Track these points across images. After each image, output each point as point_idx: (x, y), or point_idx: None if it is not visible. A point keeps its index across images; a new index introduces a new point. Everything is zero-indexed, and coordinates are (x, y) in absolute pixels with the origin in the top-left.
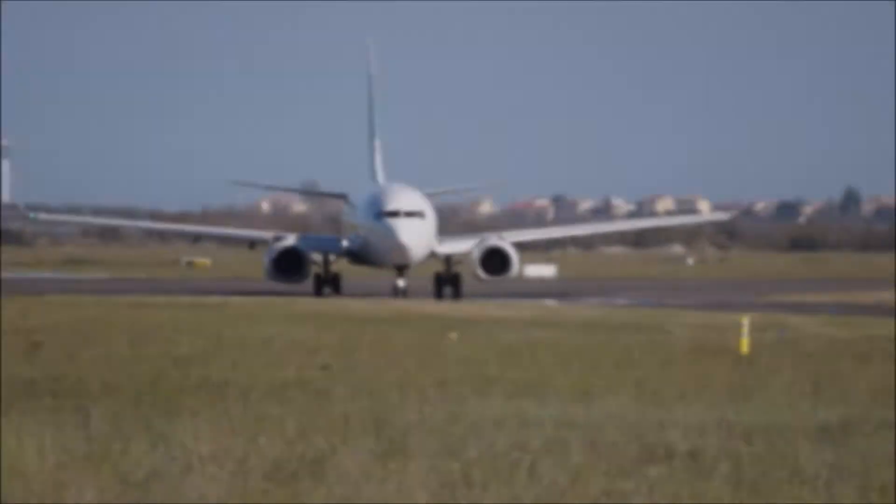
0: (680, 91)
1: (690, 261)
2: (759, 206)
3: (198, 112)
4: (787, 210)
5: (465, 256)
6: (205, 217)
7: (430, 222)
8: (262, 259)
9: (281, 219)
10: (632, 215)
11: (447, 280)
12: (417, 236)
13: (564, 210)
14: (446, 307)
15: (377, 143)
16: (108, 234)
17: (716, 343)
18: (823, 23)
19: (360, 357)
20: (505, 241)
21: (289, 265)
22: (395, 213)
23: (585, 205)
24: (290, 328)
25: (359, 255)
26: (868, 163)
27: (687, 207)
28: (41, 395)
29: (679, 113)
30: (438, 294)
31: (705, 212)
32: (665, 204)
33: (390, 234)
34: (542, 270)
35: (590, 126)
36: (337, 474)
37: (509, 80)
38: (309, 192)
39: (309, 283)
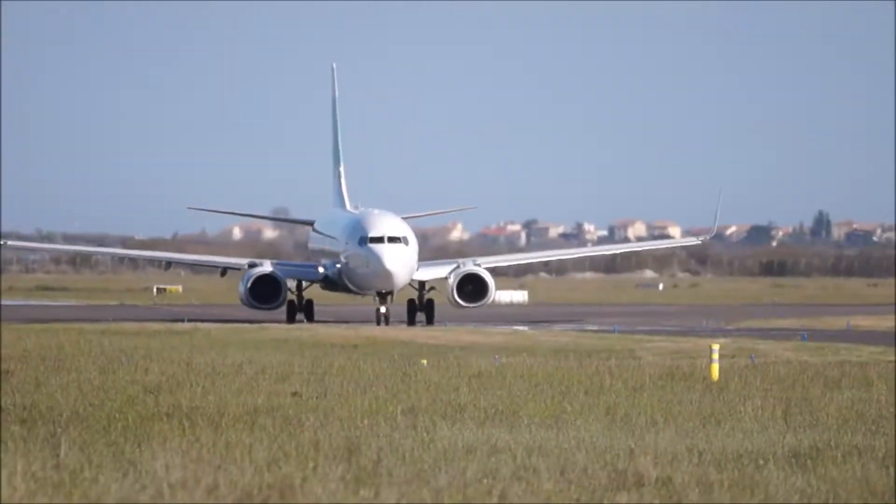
0: (651, 118)
1: (661, 286)
2: (730, 230)
3: (168, 139)
4: (758, 234)
5: (439, 282)
6: (176, 243)
7: (413, 248)
8: (238, 286)
9: (252, 245)
10: (603, 240)
11: (420, 306)
12: (402, 262)
13: (536, 235)
14: (416, 333)
15: (342, 169)
16: (80, 261)
17: (686, 369)
18: (793, 52)
19: (331, 384)
20: (480, 267)
21: (265, 292)
22: (379, 239)
23: (557, 230)
24: (260, 355)
25: (336, 282)
26: (838, 187)
27: (658, 233)
28: (10, 423)
29: (650, 139)
30: (411, 320)
31: (677, 237)
32: (637, 229)
33: (375, 261)
34: (513, 296)
35: (562, 151)
36: (307, 502)
37: (481, 105)
38: (273, 219)
39: (282, 310)
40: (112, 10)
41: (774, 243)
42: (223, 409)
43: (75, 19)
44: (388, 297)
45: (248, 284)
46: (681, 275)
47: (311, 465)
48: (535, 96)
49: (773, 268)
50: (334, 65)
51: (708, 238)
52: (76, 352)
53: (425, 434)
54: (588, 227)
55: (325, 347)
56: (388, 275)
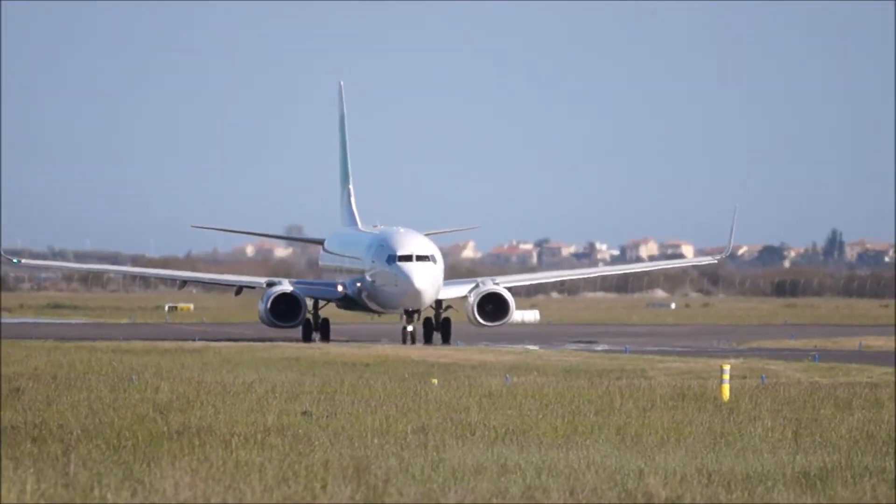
0: (664, 137)
1: (673, 306)
2: (742, 250)
3: (179, 158)
4: (771, 254)
5: (457, 301)
6: (189, 262)
7: (440, 266)
8: (258, 304)
9: (264, 263)
10: (616, 260)
11: (437, 325)
12: (430, 280)
13: (548, 255)
14: (427, 351)
15: (351, 187)
16: (91, 280)
17: (697, 389)
18: (804, 67)
19: (341, 402)
20: (500, 286)
21: (285, 310)
22: (407, 258)
23: (569, 249)
24: (270, 374)
25: (356, 301)
26: (852, 207)
27: (671, 252)
28: (22, 440)
29: (662, 158)
30: (428, 339)
31: (690, 256)
32: (649, 249)
33: (404, 279)
34: (525, 315)
35: (574, 171)
36: None
37: (493, 123)
38: (281, 237)
39: (298, 329)
40: (121, 32)
41: (787, 263)
42: (233, 428)
43: (86, 41)
44: (416, 316)
45: (269, 303)
46: (693, 294)
47: (320, 484)
48: (547, 115)
49: (786, 288)
50: (342, 83)
51: (724, 257)
52: (87, 370)
53: (435, 453)
54: (600, 246)
55: (336, 366)
56: (417, 293)
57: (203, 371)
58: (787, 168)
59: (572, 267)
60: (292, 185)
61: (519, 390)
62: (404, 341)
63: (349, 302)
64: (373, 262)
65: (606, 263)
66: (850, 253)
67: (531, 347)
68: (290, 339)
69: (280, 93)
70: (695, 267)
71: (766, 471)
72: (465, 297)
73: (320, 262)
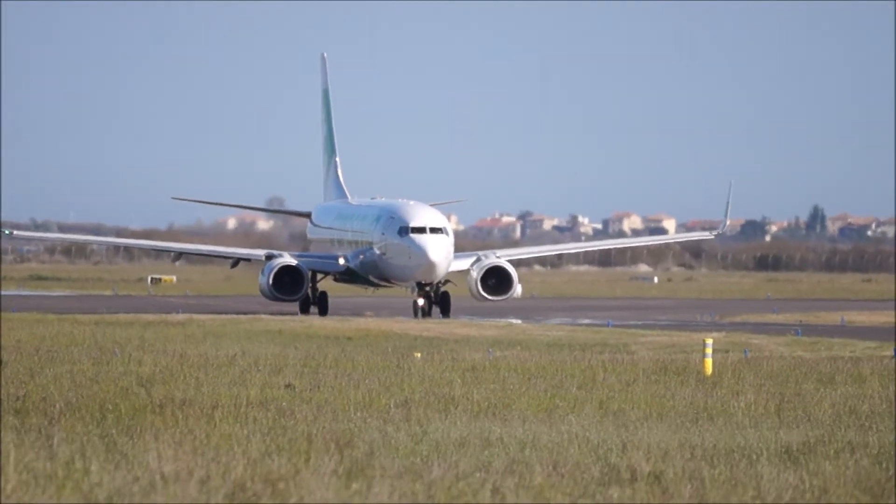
0: (645, 112)
1: (656, 280)
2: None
3: (160, 130)
4: (753, 229)
5: (454, 275)
6: (172, 234)
7: (451, 238)
8: (259, 278)
9: (246, 236)
10: (598, 233)
11: (436, 298)
12: (444, 253)
13: (531, 228)
14: (411, 325)
15: (338, 160)
16: (75, 252)
17: (680, 363)
18: (788, 47)
19: (324, 376)
20: (502, 259)
21: (287, 283)
22: (421, 230)
23: (552, 222)
24: (254, 347)
25: (358, 274)
26: (833, 181)
27: (654, 226)
28: (4, 413)
29: (644, 133)
30: (427, 312)
31: (672, 230)
32: (632, 222)
33: (418, 252)
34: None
35: (556, 143)
36: (300, 495)
37: (476, 97)
38: (264, 210)
39: (295, 303)
40: (102, 4)
41: (768, 238)
42: (216, 402)
43: (69, 15)
44: (427, 289)
45: (272, 276)
46: (675, 269)
47: (303, 457)
48: (529, 89)
49: (768, 262)
50: (325, 54)
51: (721, 231)
52: (70, 342)
53: (418, 427)
54: (583, 219)
55: (319, 339)
56: (431, 266)
57: (186, 344)
58: (769, 142)
59: (554, 240)
60: (272, 158)
61: (502, 364)
62: (416, 315)
63: (350, 275)
64: (383, 234)
65: (589, 237)
66: (832, 227)
67: (514, 321)
68: (285, 313)
69: (258, 67)
70: (677, 242)
71: (749, 445)
72: (466, 271)
73: (309, 235)
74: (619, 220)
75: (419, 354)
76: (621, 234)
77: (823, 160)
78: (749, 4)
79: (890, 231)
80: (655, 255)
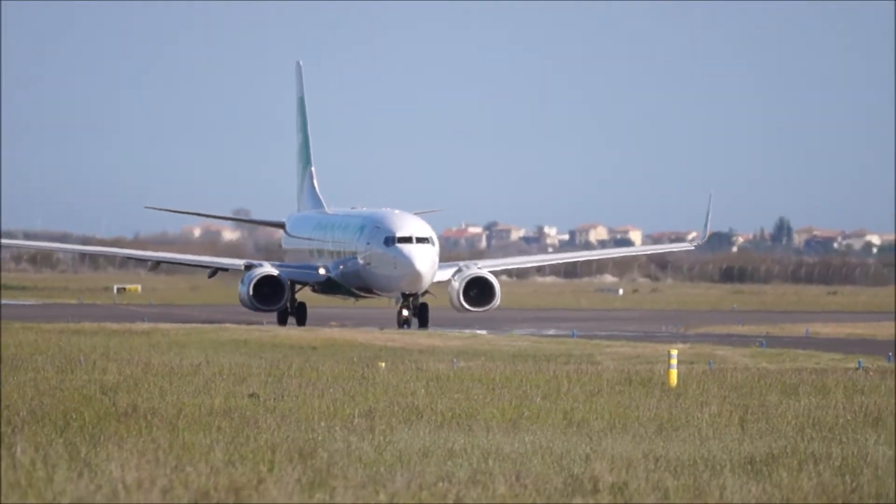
0: (611, 122)
1: (621, 291)
2: (691, 235)
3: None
4: (719, 240)
5: (435, 286)
6: (138, 243)
7: (437, 248)
8: (239, 287)
9: (212, 245)
10: (564, 244)
11: (415, 309)
12: (430, 263)
13: (497, 238)
14: (375, 335)
15: (313, 169)
16: (41, 260)
17: (644, 374)
18: (752, 59)
19: (288, 385)
20: (484, 270)
21: (268, 293)
22: (407, 240)
23: (518, 233)
24: (218, 356)
25: (341, 284)
26: (800, 194)
27: (620, 237)
28: None
29: (610, 144)
30: (399, 324)
31: (638, 242)
32: (598, 233)
33: (404, 262)
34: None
35: (522, 154)
36: None
37: (442, 107)
38: (238, 220)
39: (257, 311)
40: (72, 5)
41: (735, 249)
42: (180, 410)
43: (37, 18)
44: (412, 300)
45: (252, 286)
46: (641, 280)
47: (267, 466)
48: (494, 99)
49: (734, 274)
50: (300, 62)
51: (701, 243)
52: (34, 351)
53: (382, 437)
54: (549, 230)
55: (284, 349)
56: (417, 276)
57: (151, 353)
58: (735, 154)
59: (521, 251)
60: (239, 169)
61: (466, 374)
62: (400, 325)
63: (331, 286)
64: (368, 244)
65: (555, 248)
66: (798, 239)
67: (479, 332)
68: (252, 322)
69: (231, 77)
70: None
71: (713, 456)
72: (447, 282)
73: (284, 245)
74: (586, 231)
75: (384, 364)
76: (588, 246)
77: (790, 172)
78: (712, 18)
79: (856, 244)
80: (621, 267)
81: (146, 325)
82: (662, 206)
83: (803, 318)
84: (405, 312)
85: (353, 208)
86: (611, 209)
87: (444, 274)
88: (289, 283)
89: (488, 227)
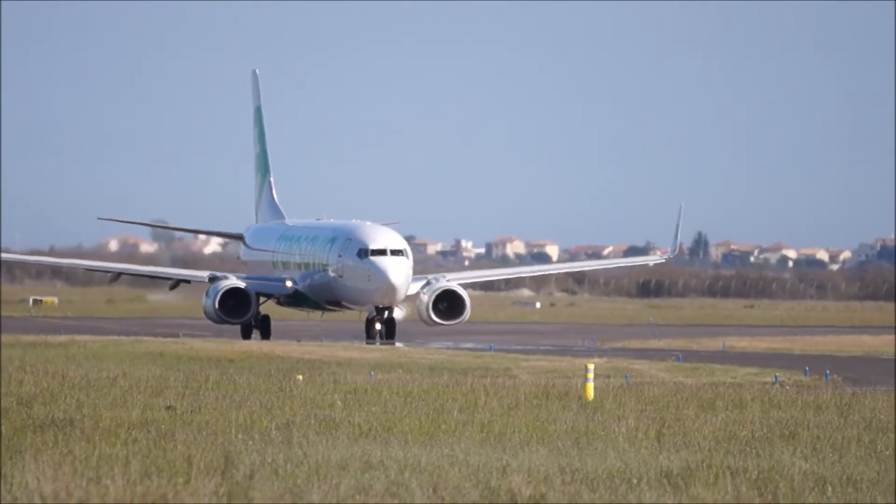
0: (528, 135)
1: (538, 304)
2: (608, 250)
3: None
4: (636, 254)
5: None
6: (54, 255)
7: (411, 261)
8: (203, 300)
9: (130, 258)
10: (481, 258)
11: (382, 323)
12: (404, 276)
13: (415, 252)
14: (292, 347)
15: (272, 179)
16: None
17: (561, 388)
18: (667, 70)
19: (206, 398)
20: (453, 283)
21: (234, 305)
22: (381, 252)
23: (435, 247)
24: (135, 368)
25: (308, 297)
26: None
27: (537, 251)
28: None
29: (527, 157)
30: (370, 335)
31: (555, 256)
32: (515, 247)
33: (378, 275)
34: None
35: (438, 167)
36: None
37: (356, 116)
38: (198, 231)
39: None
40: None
41: (652, 263)
42: (97, 422)
43: None
44: (386, 313)
45: (217, 298)
46: (558, 294)
47: (183, 479)
48: (411, 112)
49: (651, 288)
50: (257, 70)
51: (671, 256)
52: None
53: (299, 449)
54: (466, 244)
55: (201, 361)
56: (392, 289)
57: (67, 364)
58: (652, 168)
59: (438, 265)
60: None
61: (384, 387)
62: (371, 338)
63: (298, 298)
64: (339, 256)
65: (472, 262)
66: (715, 253)
67: (397, 344)
68: (166, 335)
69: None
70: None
71: (630, 470)
72: (415, 295)
73: (243, 257)
74: (503, 244)
75: (301, 377)
76: (505, 259)
77: (707, 187)
78: (626, 30)
79: (772, 258)
80: (538, 280)
81: (63, 337)
82: (578, 221)
83: (720, 331)
84: (377, 325)
85: (318, 219)
86: (526, 223)
87: (413, 287)
88: (255, 295)
89: (406, 240)
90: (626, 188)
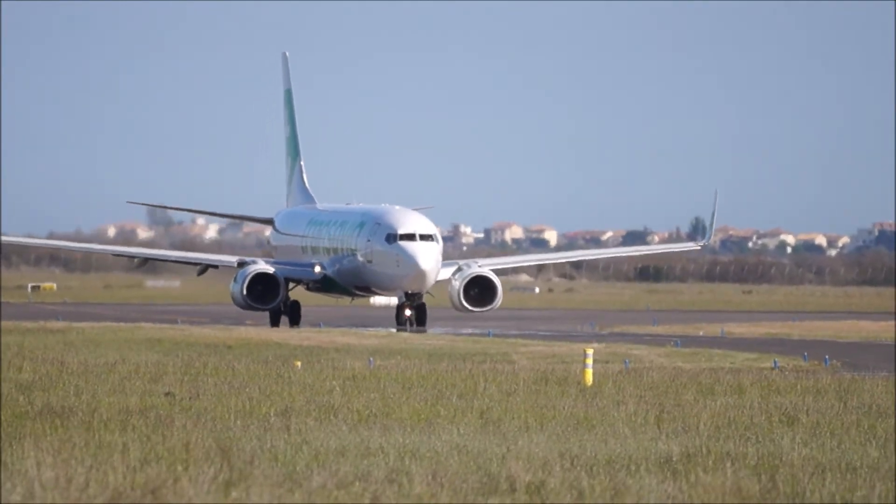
0: (524, 121)
1: (537, 290)
2: (607, 235)
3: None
4: (635, 239)
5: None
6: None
7: (441, 246)
8: (231, 285)
9: (128, 245)
10: (480, 243)
11: (412, 308)
12: (434, 261)
13: None
14: (290, 334)
15: (302, 164)
16: None
17: (560, 373)
18: (665, 56)
19: (204, 384)
20: (485, 268)
21: (262, 291)
22: (410, 237)
23: None
24: (133, 354)
25: (337, 282)
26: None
27: (535, 237)
28: None
29: (525, 143)
30: (400, 322)
31: (553, 241)
32: (513, 232)
33: (408, 260)
34: (389, 298)
35: (438, 154)
36: (178, 502)
37: (354, 104)
38: (225, 216)
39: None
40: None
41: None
42: (96, 409)
43: None
44: (415, 299)
45: (245, 283)
46: (556, 279)
47: (182, 465)
48: (407, 99)
49: (649, 273)
50: (287, 53)
51: (706, 243)
52: None
53: (298, 435)
54: (465, 229)
55: (199, 347)
56: (421, 275)
57: (66, 351)
58: (650, 152)
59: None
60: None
61: (382, 373)
62: (401, 324)
63: (327, 284)
64: (368, 241)
65: (470, 247)
66: (714, 239)
67: (395, 330)
68: (165, 321)
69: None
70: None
71: (629, 455)
72: (447, 281)
73: (272, 242)
74: (501, 229)
75: (300, 363)
76: (504, 244)
77: (705, 172)
78: (628, 18)
79: (770, 243)
80: (536, 265)
81: (61, 324)
82: (576, 206)
83: (718, 317)
84: (407, 312)
85: (347, 204)
86: (524, 208)
87: (444, 272)
88: (283, 280)
89: None
90: (623, 174)
